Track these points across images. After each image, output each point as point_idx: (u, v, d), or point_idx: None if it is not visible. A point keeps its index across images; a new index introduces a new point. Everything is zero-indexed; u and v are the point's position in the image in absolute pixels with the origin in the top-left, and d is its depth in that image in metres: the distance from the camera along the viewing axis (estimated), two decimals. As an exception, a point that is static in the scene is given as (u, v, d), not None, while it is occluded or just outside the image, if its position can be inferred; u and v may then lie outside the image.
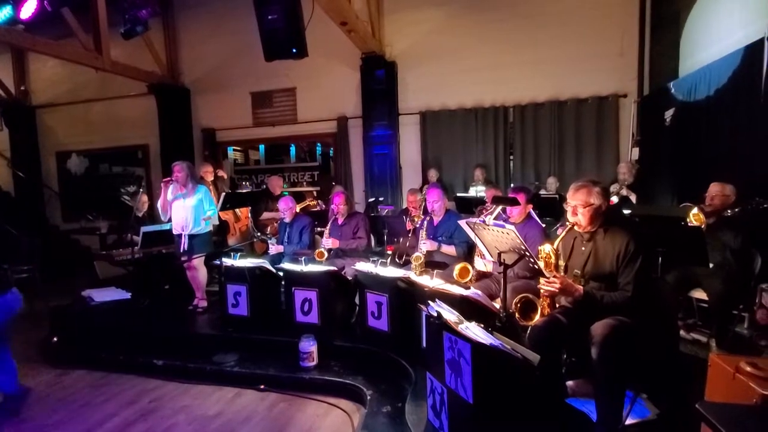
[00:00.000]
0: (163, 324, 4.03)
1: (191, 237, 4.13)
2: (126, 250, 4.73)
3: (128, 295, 4.55)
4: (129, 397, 3.03)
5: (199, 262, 4.22)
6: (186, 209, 4.11)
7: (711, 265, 2.86)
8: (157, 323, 4.04)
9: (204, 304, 4.30)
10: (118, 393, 3.10)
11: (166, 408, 2.87)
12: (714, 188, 3.15)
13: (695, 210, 2.97)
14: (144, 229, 4.54)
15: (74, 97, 8.36)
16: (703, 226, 2.88)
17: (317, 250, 4.01)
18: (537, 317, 2.36)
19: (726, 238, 2.90)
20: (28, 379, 3.28)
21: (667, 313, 2.70)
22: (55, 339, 3.90)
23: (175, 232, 4.20)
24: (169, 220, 4.26)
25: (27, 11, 5.18)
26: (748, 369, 1.78)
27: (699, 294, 3.05)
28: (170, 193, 4.17)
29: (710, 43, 4.16)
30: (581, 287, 2.17)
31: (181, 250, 4.13)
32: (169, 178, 4.16)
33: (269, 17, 4.16)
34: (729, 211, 3.02)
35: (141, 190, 5.85)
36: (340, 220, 4.30)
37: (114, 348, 3.66)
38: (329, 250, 4.11)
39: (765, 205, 2.92)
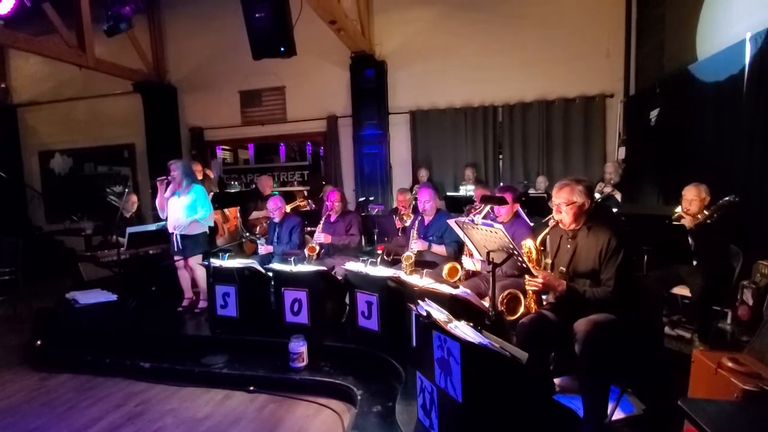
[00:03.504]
0: (151, 326, 3.97)
1: (183, 237, 4.02)
2: (111, 252, 4.65)
3: (114, 297, 4.48)
4: (115, 401, 2.98)
5: (194, 262, 4.11)
6: (178, 208, 4.04)
7: (695, 263, 2.91)
8: (145, 325, 3.98)
9: (204, 305, 4.16)
10: (104, 396, 3.05)
11: (154, 411, 2.83)
12: (690, 193, 3.15)
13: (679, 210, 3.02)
14: (129, 229, 4.47)
15: (57, 95, 8.18)
16: (689, 226, 2.93)
17: (309, 245, 4.00)
18: (522, 310, 2.39)
19: (715, 241, 2.95)
20: (11, 384, 3.21)
21: (651, 309, 2.75)
22: (39, 342, 3.82)
23: (169, 230, 4.14)
24: (165, 219, 4.21)
25: (5, 6, 5.04)
26: (730, 364, 1.82)
27: (682, 291, 3.11)
28: (168, 191, 4.10)
29: (696, 41, 4.24)
30: (564, 282, 2.19)
31: (176, 249, 4.06)
32: (164, 177, 4.08)
33: (256, 15, 4.13)
34: (706, 211, 3.07)
35: (127, 190, 5.74)
36: (333, 217, 4.29)
37: (100, 351, 3.59)
38: (320, 245, 4.10)
39: (735, 199, 2.98)
